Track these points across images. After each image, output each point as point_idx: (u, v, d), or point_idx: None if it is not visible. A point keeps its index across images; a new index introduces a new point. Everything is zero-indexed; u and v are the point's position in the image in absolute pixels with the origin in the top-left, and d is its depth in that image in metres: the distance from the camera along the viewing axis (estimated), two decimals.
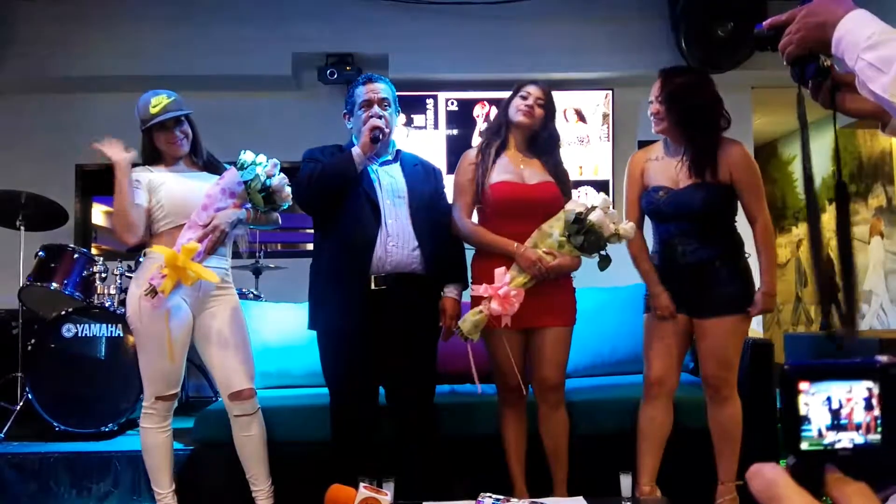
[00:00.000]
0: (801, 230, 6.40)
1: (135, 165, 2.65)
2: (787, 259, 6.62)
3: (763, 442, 2.86)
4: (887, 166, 5.23)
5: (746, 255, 2.53)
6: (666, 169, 2.55)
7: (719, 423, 2.53)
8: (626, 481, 2.20)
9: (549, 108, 2.61)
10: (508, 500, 1.83)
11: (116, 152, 2.51)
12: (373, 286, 2.40)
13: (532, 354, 2.55)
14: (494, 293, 2.38)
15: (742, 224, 2.57)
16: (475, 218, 2.63)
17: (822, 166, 6.03)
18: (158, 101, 2.55)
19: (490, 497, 1.83)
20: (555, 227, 2.44)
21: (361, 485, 1.80)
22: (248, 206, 2.61)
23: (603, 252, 2.45)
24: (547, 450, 2.58)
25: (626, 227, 2.43)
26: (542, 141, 2.61)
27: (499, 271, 2.41)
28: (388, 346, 2.44)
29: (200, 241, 2.47)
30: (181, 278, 2.42)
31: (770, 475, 0.45)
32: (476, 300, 2.46)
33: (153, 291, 2.40)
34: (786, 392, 0.48)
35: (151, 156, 2.65)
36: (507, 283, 2.39)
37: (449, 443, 2.76)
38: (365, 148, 2.38)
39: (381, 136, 2.40)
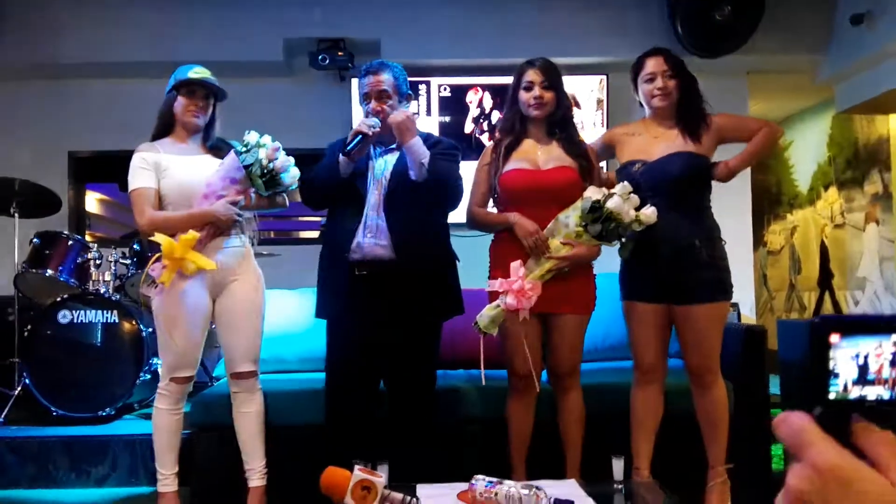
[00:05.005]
0: (795, 217, 6.41)
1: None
2: (781, 246, 6.63)
3: (755, 427, 2.89)
4: (884, 153, 5.22)
5: (723, 242, 2.53)
6: (645, 144, 2.55)
7: (705, 408, 2.53)
8: (618, 465, 2.20)
9: (554, 84, 2.54)
10: (501, 482, 1.84)
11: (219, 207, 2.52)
12: (356, 272, 2.42)
13: (548, 340, 2.55)
14: (509, 288, 2.35)
15: (719, 215, 2.57)
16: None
17: (818, 151, 6.03)
18: (202, 71, 2.62)
19: (483, 479, 1.84)
20: (571, 217, 2.38)
21: (356, 467, 1.81)
22: (253, 190, 2.59)
23: (623, 239, 2.38)
24: (561, 434, 2.58)
25: (648, 211, 2.35)
26: (556, 121, 2.56)
27: (514, 265, 2.37)
28: (384, 332, 2.45)
29: (200, 230, 2.48)
30: (181, 268, 2.43)
31: (797, 423, 0.46)
32: (493, 295, 2.43)
33: (153, 283, 2.41)
34: (816, 343, 0.49)
35: (164, 126, 2.64)
36: (521, 277, 2.35)
37: (443, 427, 2.78)
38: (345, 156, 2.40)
39: (360, 144, 2.39)
